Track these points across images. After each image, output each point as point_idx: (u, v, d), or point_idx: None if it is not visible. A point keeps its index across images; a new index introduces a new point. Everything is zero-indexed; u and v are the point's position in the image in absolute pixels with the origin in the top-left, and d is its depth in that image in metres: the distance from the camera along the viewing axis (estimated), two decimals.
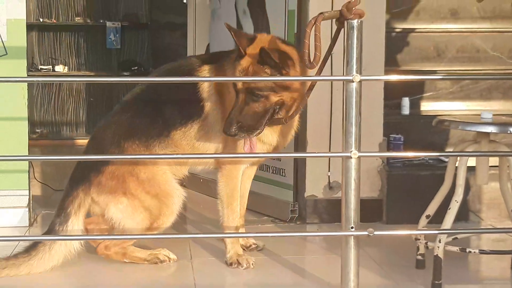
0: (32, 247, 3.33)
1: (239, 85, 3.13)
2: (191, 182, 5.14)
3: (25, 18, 4.10)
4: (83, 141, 7.93)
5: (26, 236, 3.92)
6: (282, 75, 3.11)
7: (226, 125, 3.13)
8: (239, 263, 3.38)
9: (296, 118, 3.41)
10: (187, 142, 3.44)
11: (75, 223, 3.40)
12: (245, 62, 3.17)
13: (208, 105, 3.38)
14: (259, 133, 3.20)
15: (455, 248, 3.15)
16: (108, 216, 3.42)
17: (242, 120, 3.12)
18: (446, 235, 3.07)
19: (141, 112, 3.46)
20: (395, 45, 4.81)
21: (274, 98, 3.15)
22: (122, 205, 3.40)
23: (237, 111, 3.13)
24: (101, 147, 3.45)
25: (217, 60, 3.43)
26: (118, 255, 3.49)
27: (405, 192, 4.25)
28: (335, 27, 2.92)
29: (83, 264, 3.49)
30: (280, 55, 3.10)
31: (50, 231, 3.41)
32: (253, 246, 3.68)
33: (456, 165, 3.15)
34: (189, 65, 3.48)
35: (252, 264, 3.38)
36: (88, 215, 3.53)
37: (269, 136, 3.34)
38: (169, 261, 3.47)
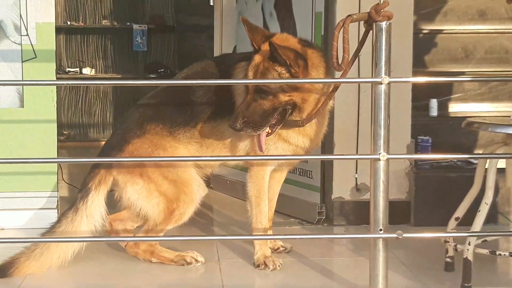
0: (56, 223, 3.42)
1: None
2: (217, 183, 5.16)
3: (54, 21, 4.13)
4: None
5: (54, 238, 3.95)
6: (291, 73, 3.11)
7: (232, 120, 3.15)
8: (266, 265, 3.38)
9: (325, 119, 3.40)
10: (216, 138, 3.45)
11: (95, 198, 3.41)
12: (257, 58, 3.19)
13: (238, 102, 3.39)
14: (272, 131, 3.20)
15: (485, 251, 3.12)
16: (125, 197, 3.44)
17: (248, 116, 3.13)
18: (475, 238, 3.04)
19: (170, 99, 3.49)
20: (423, 47, 4.78)
21: (283, 97, 3.15)
22: (138, 186, 3.42)
23: (244, 107, 3.15)
24: (127, 126, 3.50)
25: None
26: (146, 254, 3.51)
27: (433, 194, 4.23)
28: (362, 29, 2.92)
29: (110, 263, 3.52)
30: (289, 53, 3.09)
31: (72, 206, 3.44)
32: (281, 248, 3.67)
33: (486, 167, 3.13)
34: (227, 62, 3.49)
35: (279, 266, 3.38)
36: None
37: (295, 137, 3.34)
38: (196, 263, 3.48)
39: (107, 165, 3.44)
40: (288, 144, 3.35)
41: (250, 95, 3.16)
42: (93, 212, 3.39)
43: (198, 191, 3.46)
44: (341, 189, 4.27)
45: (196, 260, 3.48)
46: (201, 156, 3.48)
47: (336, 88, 3.19)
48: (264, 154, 3.30)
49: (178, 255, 3.49)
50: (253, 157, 3.39)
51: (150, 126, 3.44)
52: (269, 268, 3.37)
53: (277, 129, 3.24)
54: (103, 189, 3.44)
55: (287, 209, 4.38)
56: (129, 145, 3.41)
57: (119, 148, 3.43)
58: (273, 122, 3.20)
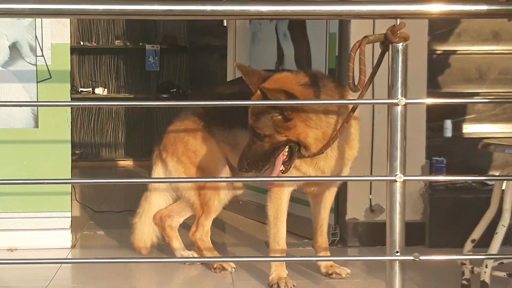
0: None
1: (250, 123, 3.19)
2: (230, 204, 5.14)
3: (69, 42, 4.16)
4: (122, 162, 8.01)
5: (68, 259, 3.96)
6: (284, 117, 3.12)
7: (238, 162, 3.25)
8: (278, 286, 3.36)
9: (340, 153, 3.37)
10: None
11: (156, 171, 3.90)
12: (255, 99, 3.21)
13: None
14: (286, 168, 3.23)
15: (502, 273, 3.09)
16: (167, 172, 3.82)
17: (251, 158, 3.19)
18: (493, 260, 3.02)
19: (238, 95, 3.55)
20: (437, 67, 4.76)
21: (280, 137, 3.15)
22: (171, 164, 3.79)
23: (246, 149, 3.22)
24: (181, 113, 3.89)
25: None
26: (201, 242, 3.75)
27: (448, 216, 4.20)
28: (376, 51, 2.91)
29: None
30: (280, 96, 3.09)
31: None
32: (334, 275, 3.62)
33: (502, 188, 3.11)
34: None
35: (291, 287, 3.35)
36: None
37: (305, 168, 3.35)
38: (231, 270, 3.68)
39: (159, 144, 3.93)
40: (300, 173, 3.35)
41: (250, 137, 3.21)
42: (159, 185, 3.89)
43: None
44: (355, 210, 4.25)
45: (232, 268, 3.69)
46: (218, 177, 3.54)
47: (353, 109, 3.17)
48: (280, 176, 3.30)
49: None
50: (271, 178, 3.40)
51: (193, 115, 3.75)
52: None
53: (291, 167, 3.25)
54: (160, 164, 3.88)
55: (300, 230, 4.36)
56: (171, 126, 3.86)
57: (167, 129, 3.91)
58: (284, 159, 3.22)
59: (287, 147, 3.20)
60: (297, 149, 3.21)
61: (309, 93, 3.22)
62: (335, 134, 3.19)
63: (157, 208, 3.95)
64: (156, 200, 3.96)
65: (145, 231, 3.95)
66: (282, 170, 3.23)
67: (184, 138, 3.73)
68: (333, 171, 3.40)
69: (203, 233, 3.78)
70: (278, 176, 3.34)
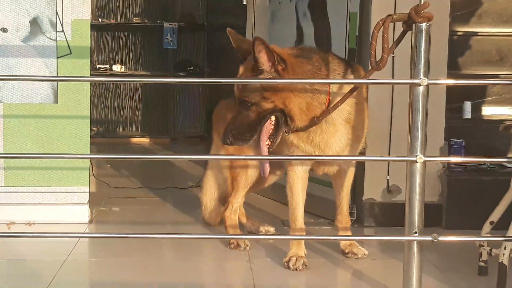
0: None
1: (236, 93, 3.21)
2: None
3: (89, 18, 4.16)
4: (138, 139, 8.04)
5: (86, 233, 4.00)
6: (277, 72, 3.11)
7: (222, 135, 3.24)
8: (288, 263, 3.40)
9: (339, 128, 3.35)
10: None
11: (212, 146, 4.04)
12: (241, 69, 3.24)
13: None
14: (272, 142, 3.22)
15: None
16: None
17: (236, 129, 3.19)
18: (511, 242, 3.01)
19: None
20: (457, 49, 4.73)
21: (266, 105, 3.14)
22: (215, 141, 3.97)
23: (231, 121, 3.22)
24: None
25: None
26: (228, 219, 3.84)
27: (465, 197, 4.19)
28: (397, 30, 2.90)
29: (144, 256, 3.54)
30: (269, 54, 3.08)
31: None
32: (351, 254, 3.63)
33: None
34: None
35: (298, 267, 3.37)
36: None
37: (302, 145, 3.35)
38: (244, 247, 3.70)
39: None
40: (309, 146, 3.36)
41: (237, 108, 3.21)
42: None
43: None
44: (372, 191, 4.25)
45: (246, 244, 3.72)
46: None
47: (353, 90, 3.15)
48: (290, 155, 3.34)
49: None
50: (285, 156, 3.41)
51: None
52: (289, 268, 3.38)
53: (277, 141, 3.23)
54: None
55: (317, 210, 4.37)
56: (219, 104, 4.10)
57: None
58: (271, 133, 3.21)
59: (274, 117, 3.18)
60: (283, 120, 3.19)
61: (297, 62, 3.21)
62: (326, 109, 3.18)
63: (218, 184, 4.05)
64: (215, 177, 4.05)
65: (212, 206, 4.09)
66: (268, 144, 3.22)
67: (225, 116, 3.70)
68: (333, 148, 3.36)
69: (232, 210, 3.85)
70: (287, 155, 3.36)
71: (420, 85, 2.68)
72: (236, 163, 3.79)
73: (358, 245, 3.64)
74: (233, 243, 3.73)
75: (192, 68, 8.08)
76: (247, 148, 3.50)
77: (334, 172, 3.61)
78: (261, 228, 4.05)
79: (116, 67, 8.11)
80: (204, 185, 4.12)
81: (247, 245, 3.73)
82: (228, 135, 3.19)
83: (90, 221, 4.25)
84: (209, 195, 4.10)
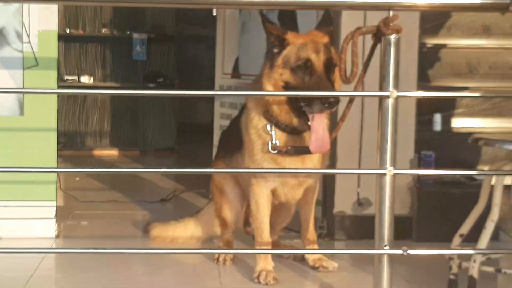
0: None
1: (318, 59, 3.21)
2: None
3: (56, 29, 4.10)
4: (107, 152, 7.96)
5: (53, 248, 3.93)
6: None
7: (317, 103, 3.12)
8: (259, 278, 3.36)
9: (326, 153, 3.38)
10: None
11: None
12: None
13: None
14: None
15: (490, 269, 3.09)
16: None
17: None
18: (481, 255, 3.01)
19: None
20: (427, 61, 4.75)
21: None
22: None
23: (317, 85, 3.15)
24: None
25: None
26: None
27: (436, 210, 4.20)
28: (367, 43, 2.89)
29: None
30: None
31: None
32: (321, 268, 3.60)
33: (492, 183, 3.10)
34: None
35: (270, 282, 3.33)
36: None
37: (295, 165, 3.33)
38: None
39: None
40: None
41: (320, 75, 3.15)
42: None
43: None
44: (343, 204, 4.23)
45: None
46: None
47: (351, 101, 3.15)
48: (267, 168, 3.29)
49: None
50: (254, 169, 3.40)
51: None
52: (260, 283, 3.34)
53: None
54: None
55: (290, 224, 4.33)
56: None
57: None
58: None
59: None
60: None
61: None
62: (342, 116, 3.16)
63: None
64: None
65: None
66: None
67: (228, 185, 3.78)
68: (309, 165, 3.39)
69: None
70: (258, 168, 3.35)
71: (389, 97, 2.66)
72: None
73: (327, 258, 3.61)
74: (217, 258, 3.69)
75: (162, 79, 8.03)
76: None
77: (296, 199, 3.59)
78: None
79: (85, 79, 8.03)
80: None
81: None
82: (328, 99, 3.08)
83: (58, 236, 4.18)
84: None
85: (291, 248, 3.89)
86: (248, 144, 3.39)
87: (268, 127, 3.30)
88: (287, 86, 3.20)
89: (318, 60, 3.16)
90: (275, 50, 3.24)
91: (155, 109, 8.13)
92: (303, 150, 3.26)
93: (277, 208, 3.69)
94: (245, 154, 3.43)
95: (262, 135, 3.33)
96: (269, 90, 3.25)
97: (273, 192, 3.50)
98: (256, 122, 3.34)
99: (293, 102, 3.20)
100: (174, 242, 4.01)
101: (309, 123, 3.16)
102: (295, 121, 3.25)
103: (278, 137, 3.28)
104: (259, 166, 3.36)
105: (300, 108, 3.18)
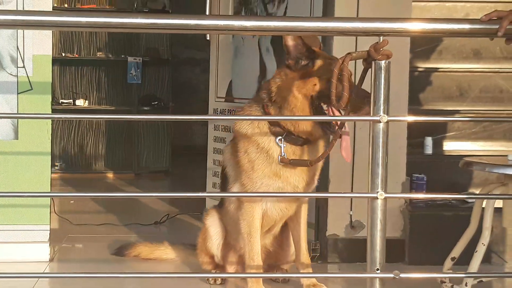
0: None
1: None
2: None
3: (50, 54, 4.12)
4: (102, 175, 7.96)
5: (46, 273, 3.92)
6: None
7: (361, 99, 3.08)
8: None
9: (320, 164, 3.41)
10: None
11: None
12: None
13: None
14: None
15: None
16: None
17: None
18: (473, 279, 3.02)
19: None
20: (418, 84, 4.79)
21: None
22: None
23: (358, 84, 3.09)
24: None
25: None
26: None
27: (428, 233, 4.21)
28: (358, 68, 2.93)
29: None
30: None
31: None
32: None
33: (482, 206, 3.12)
34: None
35: None
36: None
37: (296, 177, 3.34)
38: None
39: None
40: (288, 184, 3.34)
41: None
42: None
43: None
44: (336, 227, 4.24)
45: None
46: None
47: (341, 125, 3.17)
48: (257, 192, 3.33)
49: None
50: (244, 193, 3.40)
51: None
52: None
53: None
54: None
55: None
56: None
57: None
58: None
59: None
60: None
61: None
62: (332, 140, 3.19)
63: None
64: None
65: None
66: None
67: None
68: (312, 182, 3.43)
69: None
70: (250, 192, 3.35)
71: (380, 121, 2.68)
72: None
73: (322, 284, 3.61)
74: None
75: (156, 102, 8.06)
76: None
77: (289, 215, 3.60)
78: None
79: (80, 102, 8.05)
80: None
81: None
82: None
83: (51, 259, 4.17)
84: None
85: (283, 272, 3.89)
86: (245, 166, 3.39)
87: (277, 140, 3.32)
88: (319, 95, 3.23)
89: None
90: (303, 62, 3.26)
91: (150, 132, 8.15)
92: (302, 163, 3.28)
93: (278, 238, 3.72)
94: (240, 179, 3.43)
95: (267, 149, 3.35)
96: (298, 100, 3.26)
97: (264, 215, 3.51)
98: (259, 138, 3.36)
99: (318, 110, 3.24)
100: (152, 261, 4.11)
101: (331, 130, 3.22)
102: (315, 130, 3.27)
103: (285, 150, 3.31)
104: (259, 183, 3.36)
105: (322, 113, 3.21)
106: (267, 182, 3.35)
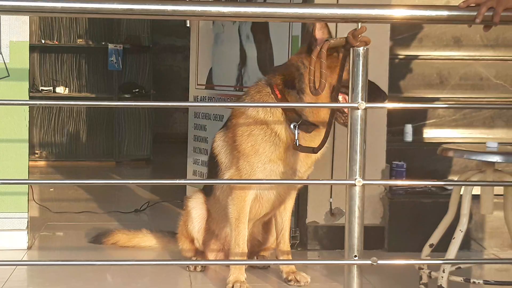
0: None
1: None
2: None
3: (28, 40, 4.08)
4: (83, 163, 7.92)
5: (24, 261, 3.90)
6: None
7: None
8: None
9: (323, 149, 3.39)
10: None
11: None
12: None
13: None
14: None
15: (459, 278, 3.11)
16: None
17: None
18: (450, 265, 3.03)
19: None
20: (398, 72, 4.79)
21: None
22: None
23: None
24: None
25: None
26: None
27: (407, 220, 4.22)
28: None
29: None
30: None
31: None
32: (293, 282, 3.58)
33: (461, 193, 3.13)
34: None
35: None
36: None
37: (300, 163, 3.36)
38: None
39: None
40: (284, 167, 3.33)
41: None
42: None
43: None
44: (316, 214, 4.25)
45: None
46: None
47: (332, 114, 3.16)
48: (245, 179, 3.31)
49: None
50: (234, 180, 3.39)
51: None
52: None
53: None
54: None
55: None
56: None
57: None
58: None
59: None
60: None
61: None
62: (327, 128, 3.17)
63: None
64: None
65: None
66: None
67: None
68: (311, 167, 3.46)
69: None
70: (238, 179, 3.33)
71: (358, 108, 2.68)
72: None
73: (301, 272, 3.62)
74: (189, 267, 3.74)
75: (137, 90, 8.02)
76: None
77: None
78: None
79: (60, 89, 7.99)
80: None
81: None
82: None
83: (29, 247, 4.15)
84: None
85: (262, 259, 3.88)
86: (247, 150, 3.36)
87: (292, 126, 3.30)
88: (342, 85, 3.18)
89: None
90: (335, 54, 3.21)
91: (131, 120, 8.11)
92: (309, 149, 3.27)
93: (267, 226, 3.75)
94: (237, 164, 3.40)
95: (279, 134, 3.33)
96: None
97: (261, 201, 3.50)
98: (272, 122, 3.34)
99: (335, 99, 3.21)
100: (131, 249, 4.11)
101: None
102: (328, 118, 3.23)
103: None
104: (261, 167, 3.34)
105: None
106: (271, 167, 3.34)
